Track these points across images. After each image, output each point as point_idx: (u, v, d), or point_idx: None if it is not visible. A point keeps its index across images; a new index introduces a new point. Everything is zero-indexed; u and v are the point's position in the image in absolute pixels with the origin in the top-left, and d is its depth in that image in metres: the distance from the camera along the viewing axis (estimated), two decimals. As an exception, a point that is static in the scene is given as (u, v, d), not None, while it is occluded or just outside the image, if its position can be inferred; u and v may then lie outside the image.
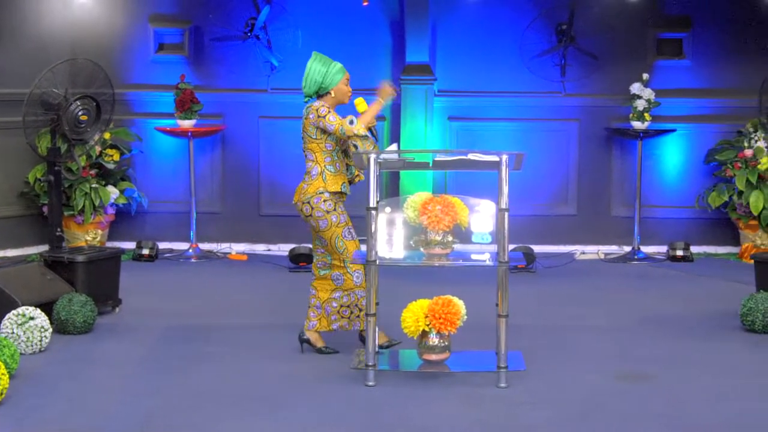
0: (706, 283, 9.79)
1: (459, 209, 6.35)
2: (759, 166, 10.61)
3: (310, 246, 10.41)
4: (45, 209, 10.12)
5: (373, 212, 6.29)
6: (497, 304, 6.30)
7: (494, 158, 6.29)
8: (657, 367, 6.74)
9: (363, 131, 6.80)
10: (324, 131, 6.92)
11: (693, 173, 11.32)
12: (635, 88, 10.86)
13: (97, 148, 10.55)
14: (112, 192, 10.70)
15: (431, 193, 6.57)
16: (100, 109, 8.46)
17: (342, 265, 6.97)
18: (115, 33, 11.27)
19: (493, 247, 6.34)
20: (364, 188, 6.49)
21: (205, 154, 11.35)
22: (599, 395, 6.14)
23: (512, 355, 6.48)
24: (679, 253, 10.89)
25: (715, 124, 11.30)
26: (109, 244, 10.81)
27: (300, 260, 10.30)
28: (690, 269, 10.46)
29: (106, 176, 10.80)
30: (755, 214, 10.55)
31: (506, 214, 6.21)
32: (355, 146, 6.87)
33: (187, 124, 10.84)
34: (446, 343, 6.44)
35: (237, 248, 11.30)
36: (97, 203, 10.53)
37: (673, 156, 11.36)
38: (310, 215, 6.91)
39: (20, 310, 7.07)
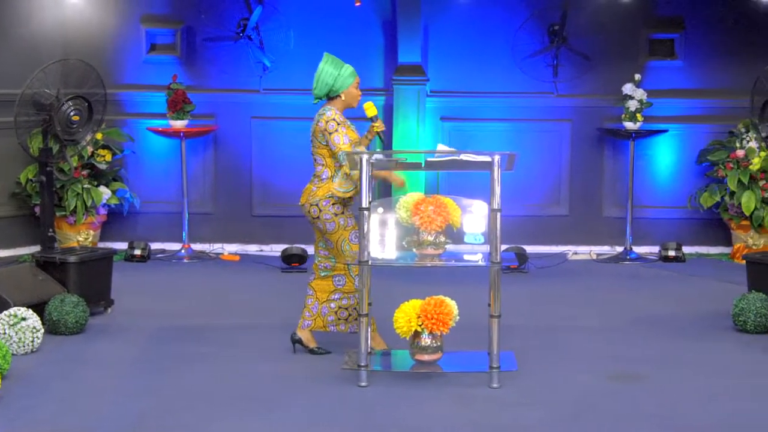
0: (698, 284, 9.80)
1: (451, 210, 6.35)
2: (751, 167, 10.63)
3: (302, 246, 10.52)
4: (37, 210, 10.12)
5: (366, 213, 6.29)
6: (489, 305, 6.30)
7: (486, 158, 6.30)
8: (649, 368, 6.75)
9: (349, 178, 6.78)
10: None
11: (685, 174, 11.34)
12: (627, 88, 10.87)
13: (89, 149, 10.54)
14: (104, 192, 10.69)
15: (423, 193, 6.57)
16: (92, 110, 8.45)
17: (345, 268, 6.97)
18: (107, 33, 11.25)
19: (486, 248, 6.34)
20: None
21: (197, 154, 11.34)
22: (591, 395, 6.15)
23: (504, 355, 6.48)
24: (671, 253, 10.90)
25: (707, 124, 11.32)
26: (101, 245, 10.79)
27: (292, 261, 10.30)
28: (682, 269, 10.47)
29: (98, 177, 10.78)
30: (747, 214, 10.57)
31: (498, 215, 6.22)
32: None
33: (179, 124, 10.83)
34: (438, 344, 6.45)
35: (229, 249, 11.29)
36: (89, 204, 10.52)
37: (665, 156, 11.37)
38: (318, 217, 6.90)
39: (12, 310, 7.06)
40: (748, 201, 10.54)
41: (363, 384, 6.29)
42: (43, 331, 7.10)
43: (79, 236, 10.64)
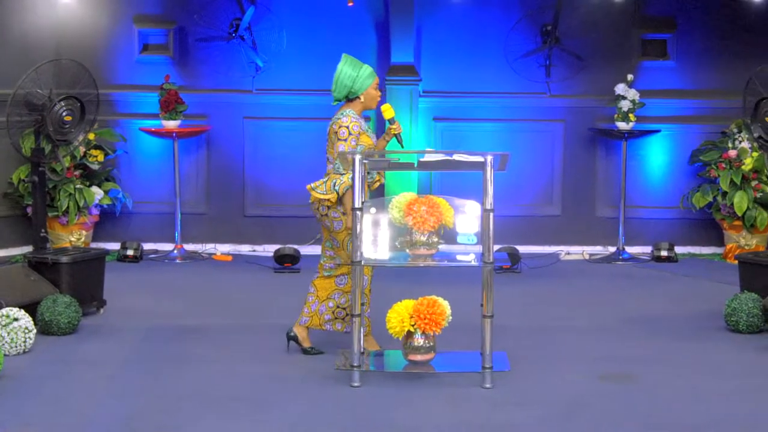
0: (690, 284, 9.82)
1: (444, 210, 6.34)
2: (743, 167, 10.65)
3: (295, 247, 10.52)
4: (29, 210, 10.10)
5: (359, 213, 6.29)
6: (482, 305, 6.30)
7: (479, 159, 6.30)
8: (641, 368, 6.76)
9: (341, 186, 6.79)
10: None
11: (677, 174, 11.36)
12: (620, 88, 10.89)
13: (82, 149, 10.53)
14: (97, 193, 10.68)
15: (416, 193, 6.57)
16: (84, 110, 8.44)
17: (349, 268, 6.96)
18: (99, 33, 11.25)
19: (478, 248, 6.34)
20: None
21: (189, 154, 11.34)
22: (583, 395, 6.15)
23: (497, 355, 6.48)
24: (664, 253, 10.92)
25: (699, 124, 11.34)
26: (94, 245, 10.78)
27: (285, 261, 10.29)
28: (674, 270, 10.49)
29: (90, 177, 10.77)
30: (739, 214, 10.59)
31: (491, 215, 6.22)
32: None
33: (171, 124, 10.82)
34: (431, 344, 6.45)
35: (222, 249, 11.28)
36: (81, 204, 10.50)
37: (657, 157, 11.39)
38: (326, 215, 6.89)
39: (4, 311, 7.05)
40: (740, 201, 10.56)
41: (356, 384, 6.29)
42: (35, 331, 7.09)
43: (72, 236, 10.63)
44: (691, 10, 11.27)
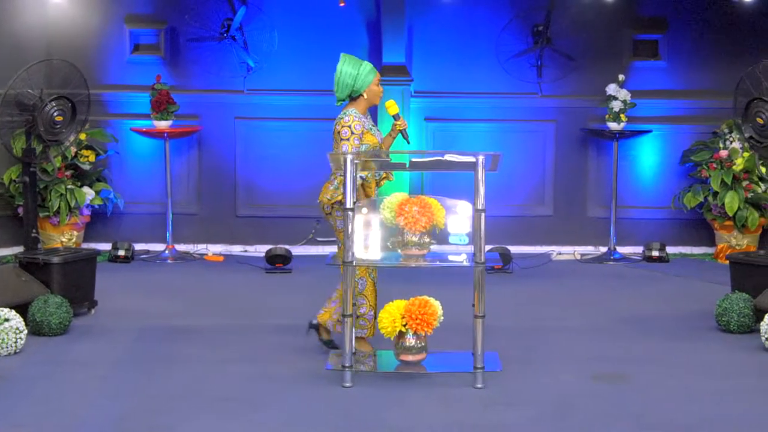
0: (681, 284, 9.83)
1: (436, 210, 6.34)
2: (734, 167, 10.67)
3: (286, 247, 10.52)
4: (20, 210, 10.08)
5: (350, 213, 6.29)
6: (474, 305, 6.30)
7: (471, 159, 6.29)
8: (633, 368, 6.76)
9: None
10: None
11: (668, 174, 11.37)
12: (611, 89, 10.90)
13: (73, 149, 10.51)
14: (88, 193, 10.67)
15: (408, 194, 6.56)
16: (75, 110, 8.42)
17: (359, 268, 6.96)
18: (90, 33, 11.23)
19: (470, 248, 6.34)
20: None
21: (181, 155, 11.33)
22: (575, 395, 6.15)
23: (489, 355, 6.48)
24: (655, 253, 10.93)
25: (690, 125, 11.36)
26: (85, 246, 10.76)
27: (276, 261, 10.29)
28: (666, 270, 10.50)
29: (81, 177, 10.76)
30: (730, 214, 10.60)
31: (483, 215, 6.22)
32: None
33: (163, 124, 10.81)
34: (423, 344, 6.45)
35: (213, 249, 11.28)
36: (72, 204, 10.49)
37: (648, 157, 11.40)
38: (330, 214, 6.89)
39: (-5, 311, 7.04)
40: (731, 201, 10.57)
41: (347, 384, 6.28)
42: (26, 332, 7.08)
43: (63, 237, 10.62)
44: (683, 10, 11.30)
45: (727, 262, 8.52)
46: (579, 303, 8.97)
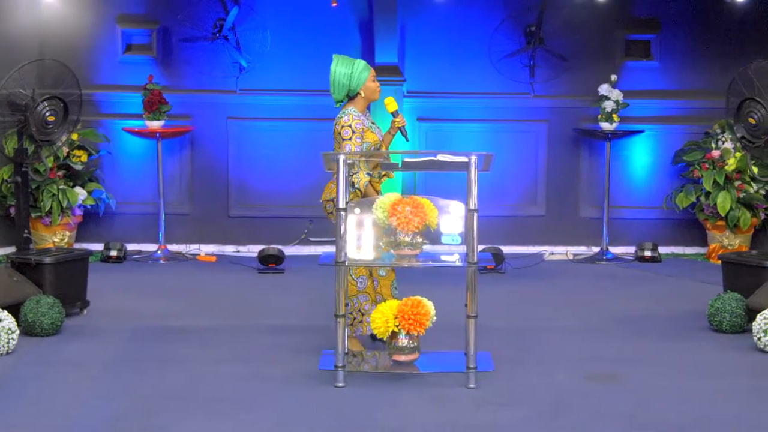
0: (673, 284, 9.84)
1: (428, 210, 6.34)
2: (726, 167, 10.68)
3: (279, 247, 10.51)
4: (12, 211, 10.07)
5: (343, 213, 6.28)
6: (466, 305, 6.30)
7: (463, 159, 6.29)
8: (625, 368, 6.76)
9: (360, 181, 6.80)
10: None
11: (661, 174, 11.39)
12: (604, 89, 10.91)
13: (65, 149, 10.50)
14: (80, 193, 10.65)
15: (401, 194, 6.56)
16: (67, 110, 8.41)
17: (363, 269, 6.95)
18: (82, 33, 11.22)
19: (463, 248, 6.34)
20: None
21: (173, 155, 11.32)
22: (568, 395, 6.16)
23: (481, 355, 6.49)
24: (647, 253, 10.94)
25: (682, 125, 11.37)
26: (77, 246, 10.75)
27: (269, 261, 10.28)
28: (658, 270, 10.51)
29: (73, 177, 10.74)
30: (722, 214, 10.62)
31: (475, 215, 6.22)
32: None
33: (155, 124, 10.80)
34: (415, 344, 6.45)
35: (206, 249, 11.27)
36: (64, 204, 10.47)
37: (641, 157, 11.42)
38: (332, 212, 6.89)
39: (-13, 312, 7.03)
40: (723, 201, 10.59)
41: (340, 384, 6.28)
42: (18, 332, 7.06)
43: (55, 237, 10.60)
44: (675, 11, 11.31)
45: (719, 262, 8.52)
46: (571, 303, 8.97)
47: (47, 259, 8.02)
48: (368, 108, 7.15)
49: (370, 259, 6.45)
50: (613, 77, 10.96)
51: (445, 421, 5.69)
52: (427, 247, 6.42)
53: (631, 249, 11.25)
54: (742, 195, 10.67)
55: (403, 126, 7.05)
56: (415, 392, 6.20)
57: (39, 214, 10.40)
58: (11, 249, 9.62)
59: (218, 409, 5.88)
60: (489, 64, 11.30)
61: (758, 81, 8.25)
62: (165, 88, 11.00)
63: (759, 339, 7.08)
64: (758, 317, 7.13)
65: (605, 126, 10.93)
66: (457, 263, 6.45)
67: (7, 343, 6.94)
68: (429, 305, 6.45)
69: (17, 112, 8.16)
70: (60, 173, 10.57)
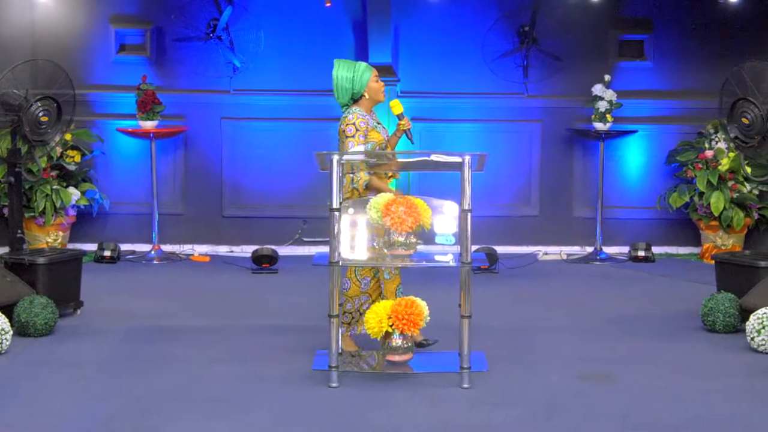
0: (667, 284, 9.85)
1: (422, 210, 6.34)
2: (719, 167, 10.69)
3: (273, 247, 10.50)
4: (5, 211, 10.04)
5: (336, 213, 6.28)
6: (460, 305, 6.30)
7: (457, 159, 6.30)
8: (619, 367, 6.77)
9: (359, 182, 6.81)
10: None
11: (654, 174, 11.40)
12: (597, 89, 10.92)
13: (58, 150, 10.49)
14: (74, 193, 10.64)
15: (394, 194, 6.57)
16: (60, 110, 8.40)
17: (351, 271, 6.95)
18: (76, 34, 11.21)
19: (456, 248, 6.34)
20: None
21: (167, 155, 11.31)
22: (562, 395, 6.16)
23: (475, 355, 6.49)
24: (641, 253, 10.96)
25: (676, 125, 11.39)
26: (71, 246, 10.74)
27: (263, 261, 10.28)
28: (651, 270, 10.52)
29: (67, 178, 10.73)
30: (716, 214, 10.63)
31: (469, 215, 6.22)
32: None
33: (149, 125, 10.80)
34: (409, 344, 6.45)
35: (200, 250, 11.26)
36: (58, 205, 10.46)
37: (634, 157, 11.43)
38: None
39: (-20, 312, 7.02)
40: (716, 201, 10.60)
41: (334, 385, 6.28)
42: (11, 332, 7.05)
43: (48, 237, 10.59)
44: (668, 11, 11.32)
45: (713, 262, 8.53)
46: (565, 303, 8.98)
47: (40, 260, 8.01)
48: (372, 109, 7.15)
49: (363, 260, 6.46)
50: (607, 77, 10.97)
51: (439, 421, 5.69)
52: (420, 247, 6.42)
53: (625, 249, 11.26)
54: (735, 195, 10.68)
55: (409, 129, 7.06)
56: (409, 392, 6.20)
57: (32, 214, 10.39)
58: (4, 249, 9.61)
59: (212, 409, 5.88)
60: (482, 64, 11.31)
61: (751, 81, 8.26)
62: (159, 88, 10.99)
63: (752, 339, 7.09)
64: (751, 317, 7.14)
65: (599, 126, 10.94)
66: (451, 263, 6.46)
67: (0, 343, 6.93)
68: (423, 305, 6.45)
69: (10, 113, 8.15)
70: (53, 173, 10.56)
